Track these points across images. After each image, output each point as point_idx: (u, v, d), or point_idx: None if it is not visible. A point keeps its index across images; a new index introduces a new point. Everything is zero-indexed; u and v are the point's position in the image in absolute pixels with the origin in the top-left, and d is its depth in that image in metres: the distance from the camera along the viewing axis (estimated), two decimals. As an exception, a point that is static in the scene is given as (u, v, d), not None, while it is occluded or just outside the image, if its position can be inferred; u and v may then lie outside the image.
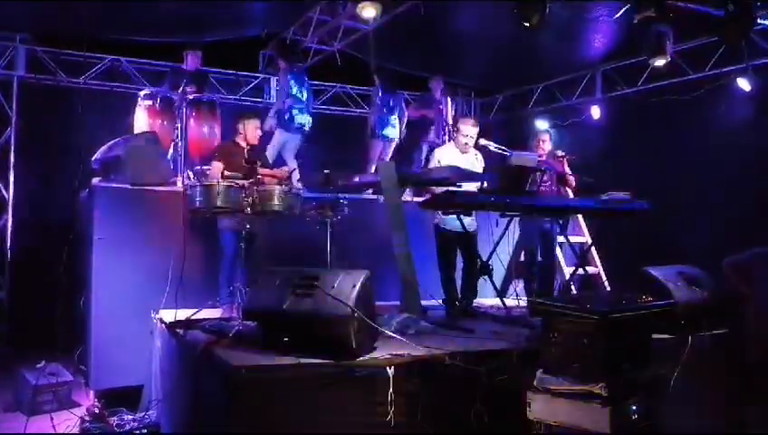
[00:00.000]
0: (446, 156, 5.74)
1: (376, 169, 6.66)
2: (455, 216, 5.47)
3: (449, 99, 8.51)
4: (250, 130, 5.71)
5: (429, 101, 8.44)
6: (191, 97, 6.93)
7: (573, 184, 6.50)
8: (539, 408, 3.36)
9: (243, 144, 5.73)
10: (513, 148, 5.93)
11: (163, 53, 8.29)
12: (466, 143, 5.74)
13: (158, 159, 6.07)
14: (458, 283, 5.79)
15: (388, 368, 3.58)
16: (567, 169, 6.47)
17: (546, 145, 6.43)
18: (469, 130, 5.77)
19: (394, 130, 8.07)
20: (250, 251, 4.95)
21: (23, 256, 7.64)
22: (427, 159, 7.82)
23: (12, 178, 7.79)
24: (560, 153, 6.46)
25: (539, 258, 6.35)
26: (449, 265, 5.70)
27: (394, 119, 8.06)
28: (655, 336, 3.90)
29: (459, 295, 5.71)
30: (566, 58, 8.54)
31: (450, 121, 8.16)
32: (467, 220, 5.62)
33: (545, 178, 5.96)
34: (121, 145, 5.95)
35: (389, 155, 8.10)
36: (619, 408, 3.18)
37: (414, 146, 8.48)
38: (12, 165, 7.80)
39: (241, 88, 9.35)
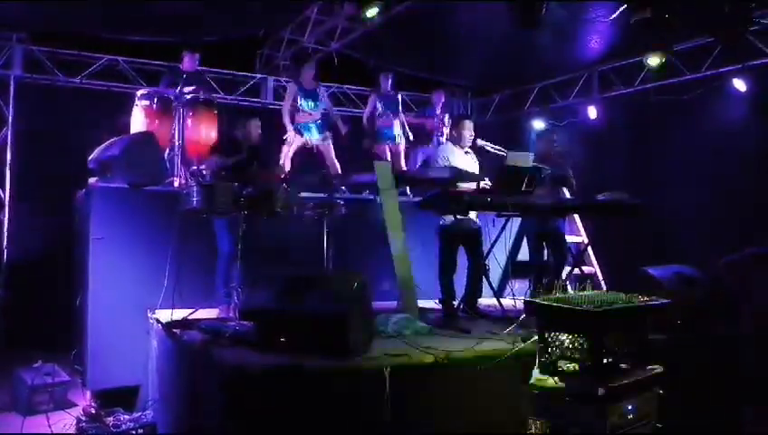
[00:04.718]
0: (450, 154, 5.75)
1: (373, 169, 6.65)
2: (453, 216, 5.48)
3: (447, 115, 8.33)
4: (252, 130, 5.71)
5: (430, 114, 8.40)
6: (188, 97, 6.92)
7: (573, 185, 6.48)
8: (535, 408, 3.36)
9: (243, 143, 5.71)
10: (510, 148, 5.94)
11: (160, 52, 8.27)
12: (469, 138, 5.78)
13: (154, 159, 6.06)
14: (457, 282, 5.79)
15: (385, 368, 3.58)
16: (569, 171, 6.45)
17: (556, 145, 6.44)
18: (470, 126, 5.82)
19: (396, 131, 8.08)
20: (247, 251, 4.94)
21: (19, 255, 7.62)
22: (425, 162, 7.81)
23: (8, 178, 7.77)
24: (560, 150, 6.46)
25: (548, 258, 6.33)
26: (450, 266, 5.69)
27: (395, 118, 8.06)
28: (652, 336, 3.91)
29: (456, 296, 5.72)
30: (563, 59, 8.54)
31: (446, 135, 8.05)
32: (470, 218, 5.64)
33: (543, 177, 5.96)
34: (118, 145, 5.93)
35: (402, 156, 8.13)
36: (616, 407, 3.19)
37: (409, 150, 8.46)
38: (8, 164, 7.78)
39: (238, 88, 9.34)
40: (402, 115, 8.18)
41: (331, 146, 7.48)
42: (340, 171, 7.42)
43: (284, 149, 7.28)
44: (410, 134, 8.18)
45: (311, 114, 7.35)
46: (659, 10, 5.31)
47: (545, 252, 6.28)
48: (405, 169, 7.99)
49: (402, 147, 8.13)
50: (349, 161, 7.71)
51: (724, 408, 4.41)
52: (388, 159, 7.88)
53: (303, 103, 7.35)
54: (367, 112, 8.16)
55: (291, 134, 7.26)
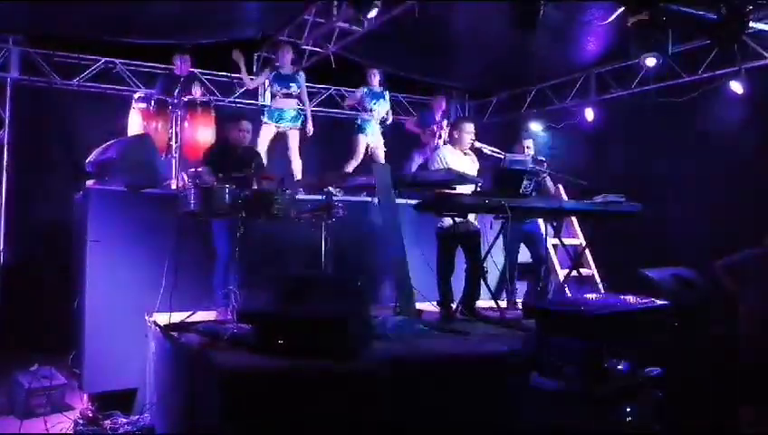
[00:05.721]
0: (448, 156, 5.75)
1: (371, 171, 6.64)
2: (452, 218, 5.49)
3: (446, 121, 8.18)
4: (243, 132, 5.71)
5: (427, 122, 8.27)
6: (185, 99, 6.92)
7: (552, 189, 6.57)
8: (534, 410, 3.36)
9: (235, 146, 5.71)
10: (508, 150, 5.95)
11: (157, 54, 8.27)
12: (469, 140, 5.78)
13: (152, 162, 6.05)
14: (455, 285, 5.79)
15: (383, 370, 3.58)
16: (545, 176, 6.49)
17: (530, 151, 6.49)
18: (471, 129, 5.82)
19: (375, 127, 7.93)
20: (244, 253, 4.94)
21: (16, 258, 7.60)
22: (423, 166, 7.76)
23: (5, 180, 7.75)
24: (540, 158, 6.48)
25: (529, 260, 6.39)
26: (448, 268, 5.68)
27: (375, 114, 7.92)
28: (650, 338, 3.92)
29: (454, 298, 5.72)
30: (560, 61, 8.55)
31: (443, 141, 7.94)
32: (469, 220, 5.65)
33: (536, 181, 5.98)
34: (115, 147, 5.93)
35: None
36: (613, 409, 3.19)
37: (404, 155, 8.39)
38: (5, 167, 7.76)
39: (235, 90, 9.34)
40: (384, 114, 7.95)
41: (298, 136, 7.38)
42: (299, 165, 7.34)
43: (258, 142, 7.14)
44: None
45: (286, 100, 7.29)
46: (657, 12, 5.32)
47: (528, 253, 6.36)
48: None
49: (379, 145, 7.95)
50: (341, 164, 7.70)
51: (723, 408, 4.42)
52: (361, 151, 7.78)
53: (279, 87, 7.30)
54: (351, 99, 8.14)
55: (263, 128, 7.24)
